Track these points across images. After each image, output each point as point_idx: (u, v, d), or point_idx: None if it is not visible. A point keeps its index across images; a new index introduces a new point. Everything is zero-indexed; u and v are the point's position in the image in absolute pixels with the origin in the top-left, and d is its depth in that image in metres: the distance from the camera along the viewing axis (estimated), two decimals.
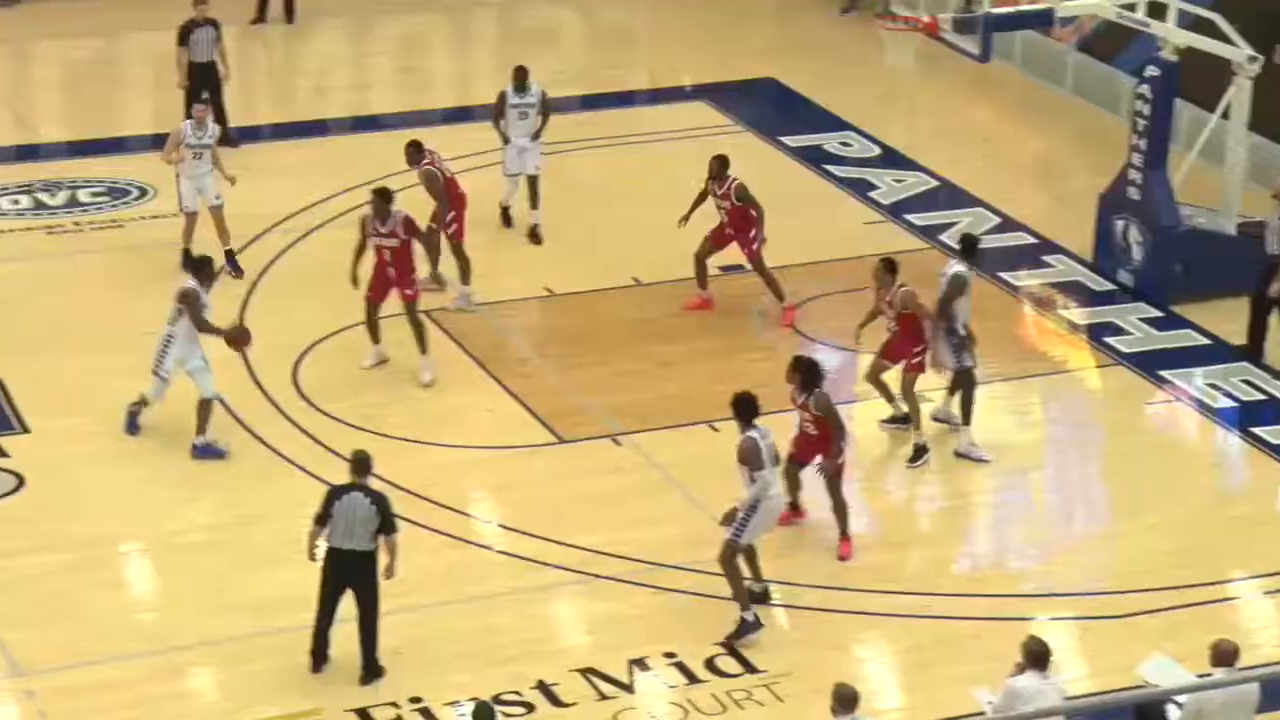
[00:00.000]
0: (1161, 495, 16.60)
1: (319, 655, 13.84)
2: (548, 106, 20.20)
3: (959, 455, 16.83)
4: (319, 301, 18.80)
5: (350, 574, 13.66)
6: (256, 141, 21.98)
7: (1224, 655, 12.49)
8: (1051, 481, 16.96)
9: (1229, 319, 18.98)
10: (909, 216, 21.16)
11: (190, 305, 16.05)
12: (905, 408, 16.96)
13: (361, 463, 13.79)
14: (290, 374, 17.62)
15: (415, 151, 18.76)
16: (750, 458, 14.39)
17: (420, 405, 17.24)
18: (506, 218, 20.46)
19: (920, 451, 16.81)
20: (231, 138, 21.42)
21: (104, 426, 16.69)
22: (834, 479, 15.36)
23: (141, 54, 24.95)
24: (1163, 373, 18.34)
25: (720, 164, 18.77)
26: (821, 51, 25.55)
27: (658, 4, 27.85)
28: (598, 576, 15.06)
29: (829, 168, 22.21)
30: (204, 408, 16.19)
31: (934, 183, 21.98)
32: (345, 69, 24.96)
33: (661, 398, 17.43)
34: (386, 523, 13.61)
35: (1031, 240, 20.78)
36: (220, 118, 21.65)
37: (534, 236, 20.22)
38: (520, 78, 20.11)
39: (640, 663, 14.26)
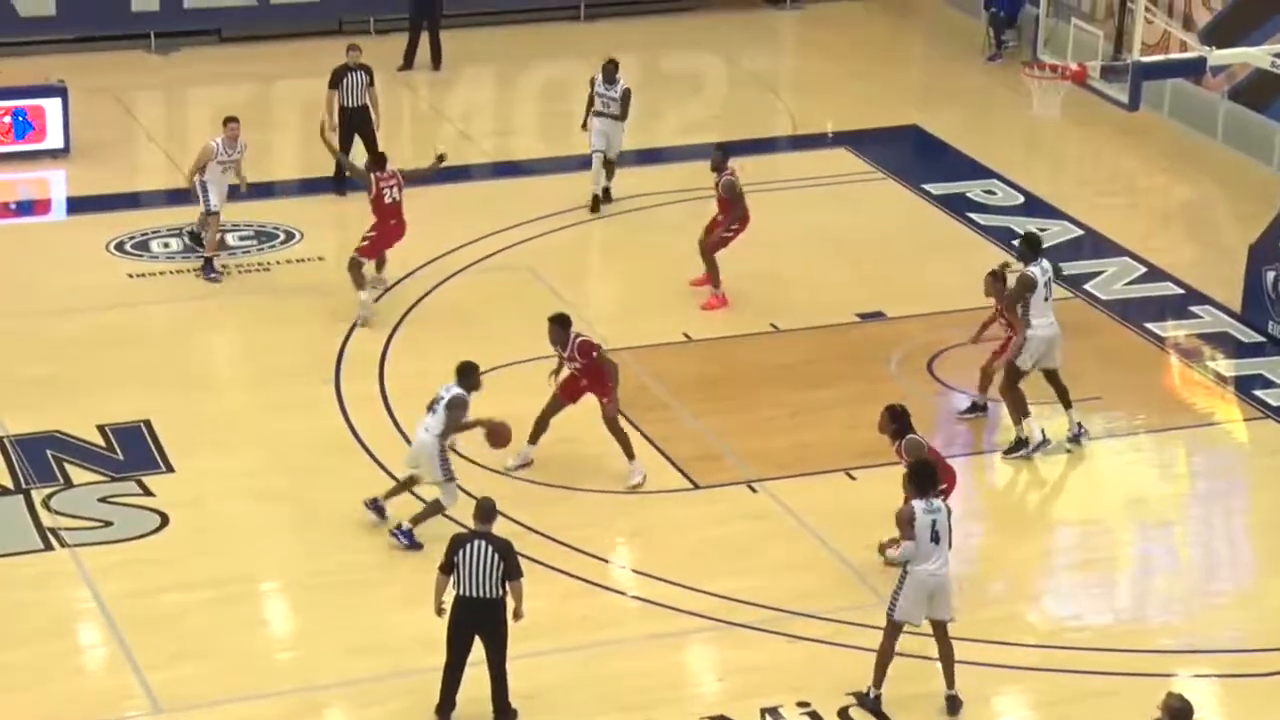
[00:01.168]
0: None
1: (446, 704, 13.87)
2: (627, 104, 21.57)
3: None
4: (459, 345, 18.83)
5: (478, 621, 13.70)
6: (339, 193, 22.11)
7: None
8: (1196, 535, 16.65)
9: None
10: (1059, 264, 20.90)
11: (456, 412, 15.88)
12: (983, 400, 17.58)
13: (485, 511, 13.83)
14: None
15: (723, 157, 19.75)
16: (903, 525, 14.17)
17: (558, 449, 17.22)
18: (596, 204, 21.57)
19: (1021, 444, 17.19)
20: (341, 188, 21.84)
21: (246, 466, 16.90)
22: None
23: (290, 101, 25.40)
24: None
25: (722, 154, 19.61)
26: (966, 99, 25.39)
27: (802, 50, 27.89)
28: (731, 624, 15.01)
29: (972, 215, 22.04)
30: (433, 508, 15.97)
31: (1079, 231, 21.73)
32: (489, 115, 25.18)
33: (798, 444, 17.34)
34: (511, 568, 13.65)
35: (1178, 290, 20.46)
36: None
37: (606, 196, 21.62)
38: (609, 71, 21.52)
39: (773, 711, 14.16)
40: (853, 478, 16.95)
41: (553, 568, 15.58)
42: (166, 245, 20.96)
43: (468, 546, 13.62)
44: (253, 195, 22.07)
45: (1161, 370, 19.20)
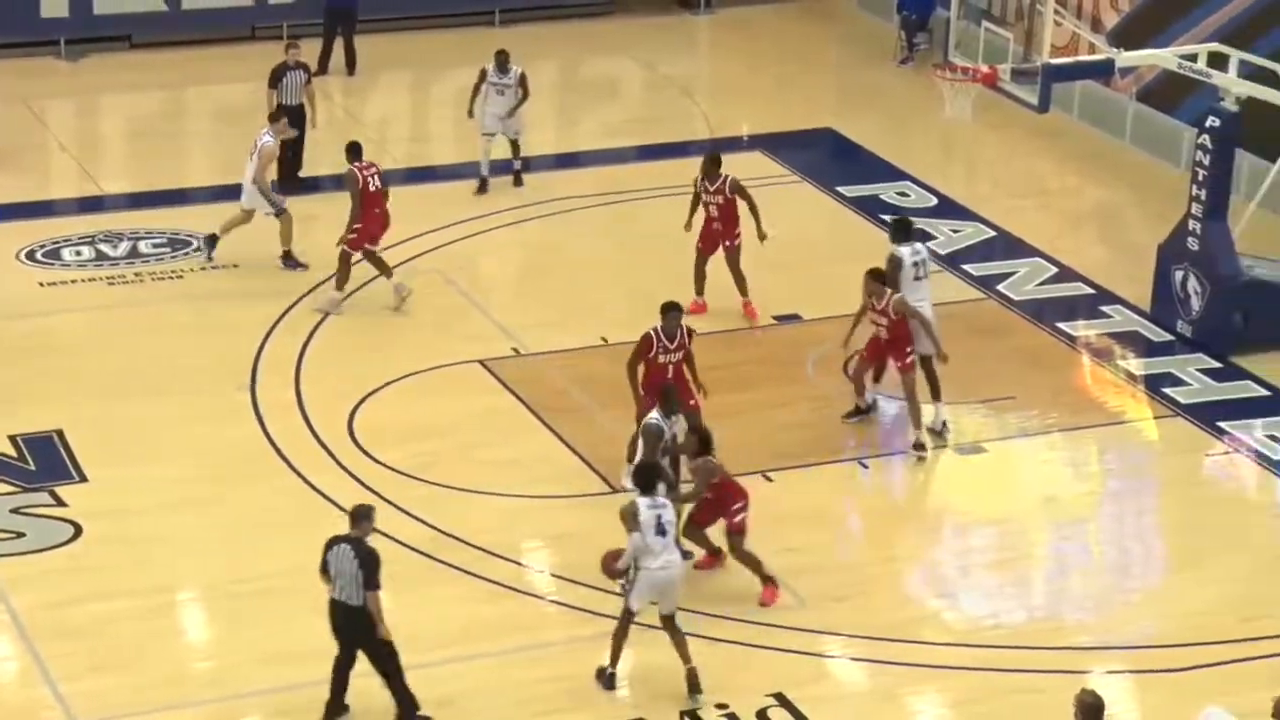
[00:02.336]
0: (1220, 547, 16.44)
1: (333, 706, 13.82)
2: (526, 86, 21.84)
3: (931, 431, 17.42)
4: (377, 350, 18.92)
5: (347, 627, 13.68)
6: (318, 192, 22.12)
7: None
8: (1108, 533, 16.82)
9: None
10: (966, 266, 21.10)
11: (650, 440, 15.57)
12: (867, 402, 17.75)
13: (357, 515, 13.79)
14: (346, 422, 17.70)
15: (349, 154, 19.55)
16: (626, 519, 14.30)
17: (474, 453, 17.25)
18: (484, 185, 21.85)
19: (920, 447, 17.28)
20: (306, 182, 21.95)
21: (160, 475, 16.78)
22: (737, 537, 15.32)
23: (202, 107, 25.26)
24: (1222, 424, 18.18)
25: (713, 162, 19.37)
26: (880, 102, 25.56)
27: (716, 54, 27.99)
28: (650, 626, 14.89)
29: (886, 217, 22.17)
30: None
31: (991, 233, 21.92)
32: (405, 121, 25.13)
33: (715, 447, 17.38)
34: (369, 578, 13.56)
35: (1089, 290, 20.68)
36: (297, 161, 21.95)
37: (518, 179, 22.01)
38: (502, 60, 21.70)
39: (692, 714, 14.19)
40: (769, 479, 17.02)
41: (469, 572, 15.57)
42: (79, 254, 20.80)
43: (335, 549, 13.62)
44: (166, 202, 22.08)
45: (1073, 369, 19.40)
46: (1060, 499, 17.08)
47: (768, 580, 15.40)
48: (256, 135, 20.36)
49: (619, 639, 14.41)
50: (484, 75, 21.86)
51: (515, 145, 22.05)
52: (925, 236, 21.67)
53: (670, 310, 16.78)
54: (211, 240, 20.46)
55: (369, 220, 19.47)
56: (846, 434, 17.78)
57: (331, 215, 20.39)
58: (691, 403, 16.71)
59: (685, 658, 14.33)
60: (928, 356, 17.57)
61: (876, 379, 17.92)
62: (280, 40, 25.03)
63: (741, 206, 19.35)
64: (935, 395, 17.67)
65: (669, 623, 14.38)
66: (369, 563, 13.59)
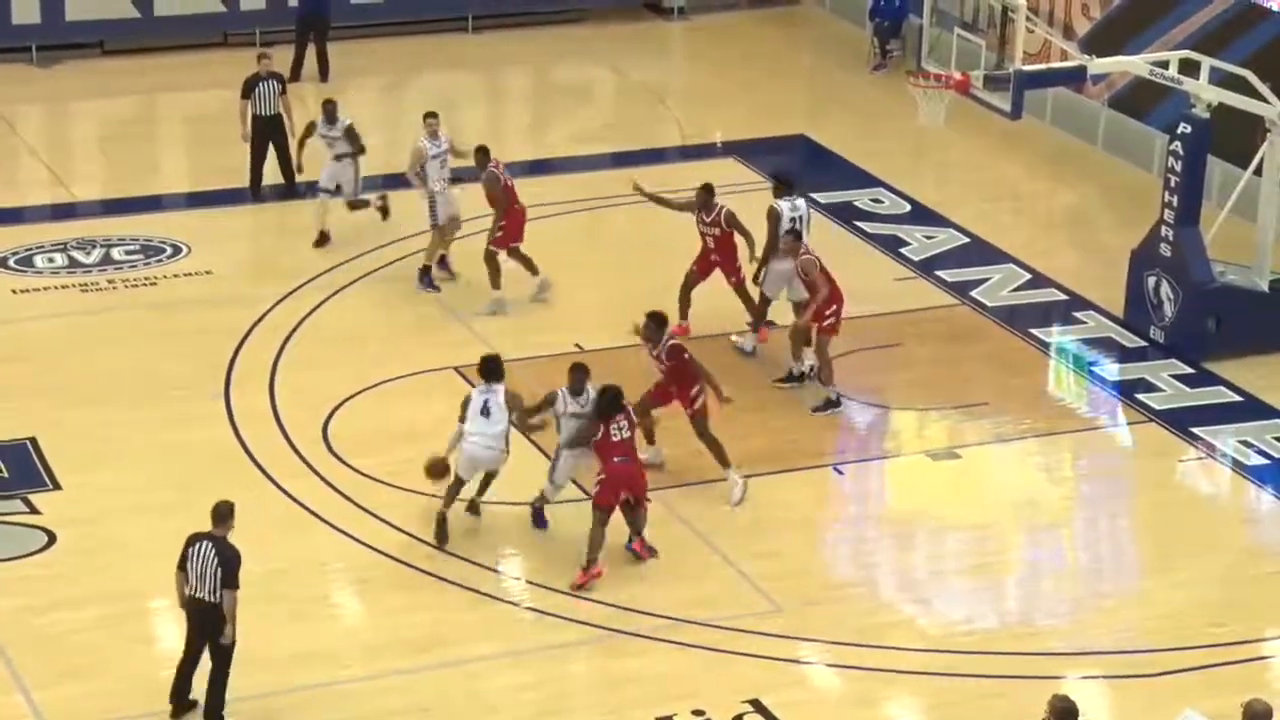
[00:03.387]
0: (1193, 552, 16.50)
1: (179, 700, 13.84)
2: (354, 135, 21.03)
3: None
4: (351, 357, 18.88)
5: (201, 623, 13.72)
6: (287, 200, 22.07)
7: (1257, 715, 12.35)
8: (1083, 538, 16.87)
9: (1261, 375, 18.91)
10: (940, 273, 21.14)
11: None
12: (804, 368, 18.39)
13: (219, 513, 13.81)
14: (321, 429, 17.67)
15: (483, 157, 19.64)
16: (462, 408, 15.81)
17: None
18: (323, 239, 20.93)
19: (830, 404, 17.98)
20: (298, 189, 21.94)
21: (134, 482, 16.74)
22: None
23: (175, 114, 25.21)
24: (1194, 429, 18.25)
25: (707, 193, 19.19)
26: (852, 108, 25.62)
27: (690, 61, 28.01)
28: (624, 633, 15.04)
29: (860, 224, 22.24)
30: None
31: (964, 239, 21.98)
32: (378, 127, 25.10)
33: (688, 453, 17.36)
34: (227, 577, 13.62)
35: (1062, 296, 20.74)
36: (287, 170, 21.91)
37: (384, 211, 21.13)
38: (330, 110, 20.97)
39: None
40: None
41: (443, 579, 15.56)
42: (51, 260, 20.73)
43: (196, 545, 13.68)
44: (139, 208, 22.04)
45: (1047, 375, 19.44)
46: (1034, 504, 17.12)
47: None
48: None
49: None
50: (311, 128, 20.96)
51: (354, 204, 20.90)
52: (899, 243, 21.77)
53: (648, 318, 16.95)
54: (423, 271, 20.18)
55: (511, 219, 19.66)
56: (822, 439, 17.80)
57: (286, 219, 20.36)
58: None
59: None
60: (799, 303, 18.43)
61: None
62: (253, 47, 25.05)
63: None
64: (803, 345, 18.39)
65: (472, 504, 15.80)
66: (230, 561, 13.62)
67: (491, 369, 16.16)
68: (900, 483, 17.59)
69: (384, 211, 21.06)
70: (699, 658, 14.84)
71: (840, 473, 17.43)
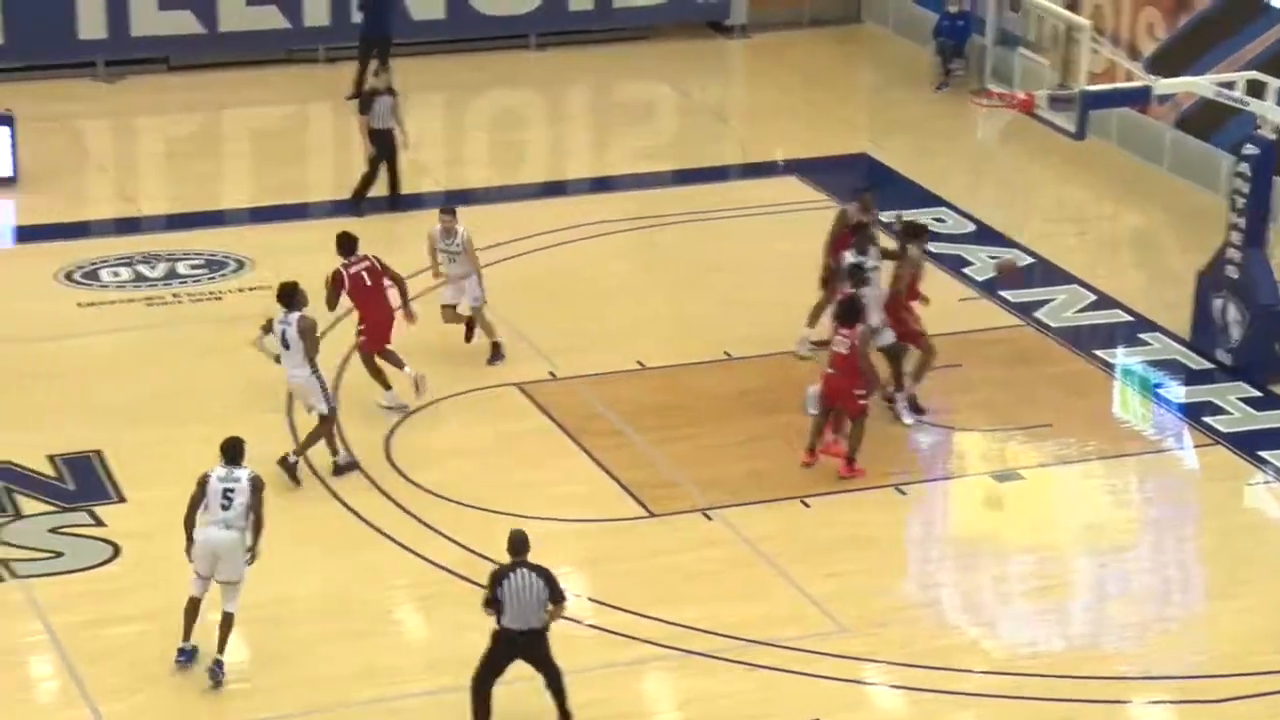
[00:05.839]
0: (1260, 576, 16.34)
1: None
2: (472, 250, 18.94)
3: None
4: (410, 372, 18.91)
5: (529, 649, 13.75)
6: (355, 216, 22.06)
7: None
8: (1147, 561, 16.73)
9: None
10: (1003, 293, 21.03)
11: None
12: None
13: (519, 542, 13.77)
14: (383, 444, 17.68)
15: (348, 244, 18.04)
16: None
17: (510, 476, 17.24)
18: (496, 351, 19.16)
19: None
20: (403, 201, 22.12)
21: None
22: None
23: (239, 129, 25.32)
24: (1262, 453, 18.08)
25: (910, 232, 18.60)
26: (915, 127, 25.54)
27: (751, 79, 27.99)
28: (688, 652, 14.97)
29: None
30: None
31: (1029, 259, 21.84)
32: (440, 144, 25.20)
33: (751, 472, 17.35)
34: (556, 592, 13.71)
35: (1128, 318, 20.60)
36: (394, 183, 22.06)
37: (496, 353, 19.22)
38: (447, 222, 18.83)
39: None
40: (807, 505, 16.98)
41: None
42: (116, 274, 20.82)
43: (512, 576, 13.57)
44: (204, 223, 22.13)
45: (1112, 397, 19.31)
46: (1099, 527, 16.99)
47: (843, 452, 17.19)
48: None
49: None
50: (433, 239, 18.97)
51: (473, 319, 19.02)
52: (962, 263, 21.66)
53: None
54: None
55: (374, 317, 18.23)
56: (884, 460, 17.72)
57: (381, 237, 20.37)
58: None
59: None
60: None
61: None
62: (315, 64, 25.18)
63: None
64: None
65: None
66: (553, 579, 13.72)
67: None
68: (964, 504, 17.49)
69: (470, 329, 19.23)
70: (763, 678, 14.78)
71: (903, 493, 17.34)
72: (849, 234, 18.88)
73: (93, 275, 20.83)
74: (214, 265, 21.09)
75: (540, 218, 22.21)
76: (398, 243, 20.66)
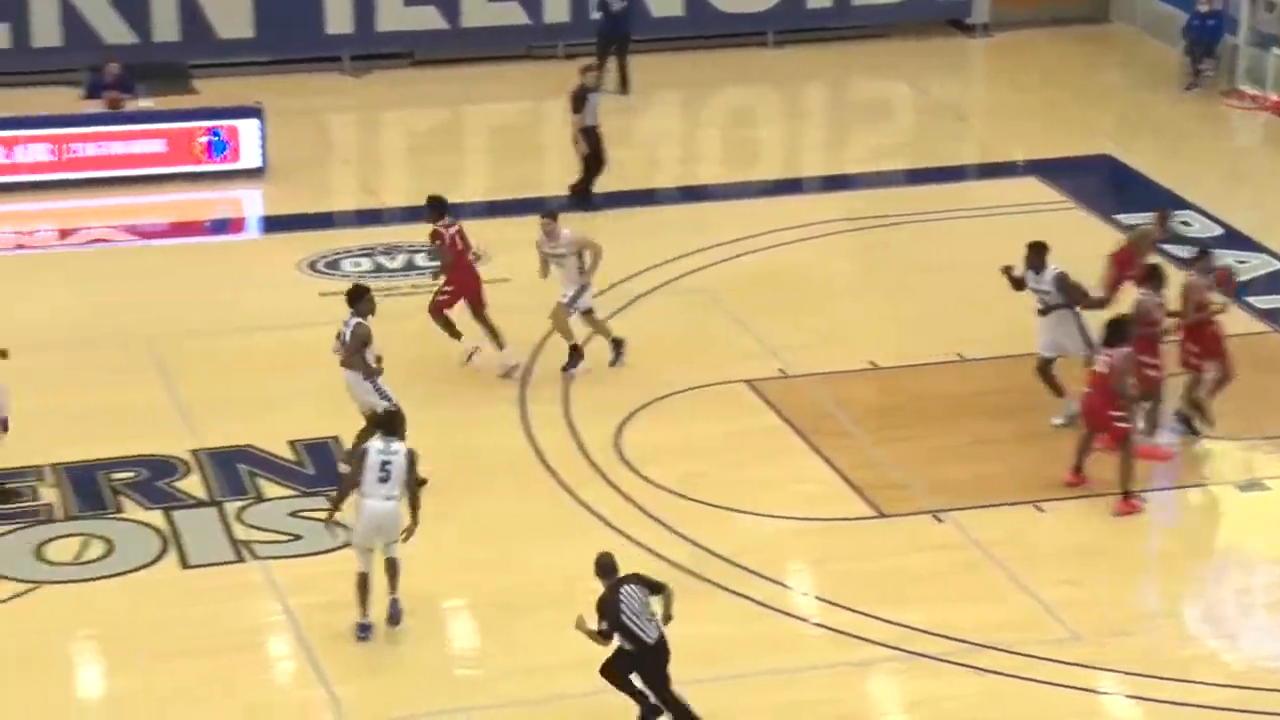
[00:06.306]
0: None
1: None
2: (583, 254, 18.71)
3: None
4: (643, 367, 18.80)
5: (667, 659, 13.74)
6: (588, 210, 22.17)
7: None
8: None
9: None
10: (1251, 299, 20.40)
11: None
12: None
13: (608, 566, 13.75)
14: (613, 437, 17.70)
15: (435, 211, 18.63)
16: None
17: (740, 474, 17.15)
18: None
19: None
20: (595, 202, 22.08)
21: (433, 482, 16.55)
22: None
23: (480, 124, 25.59)
24: None
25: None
26: (1162, 128, 24.93)
27: (991, 78, 27.58)
28: (916, 654, 14.77)
29: (1167, 247, 21.60)
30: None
31: (1279, 264, 21.19)
32: (676, 140, 25.20)
33: (982, 475, 17.05)
34: (654, 585, 13.70)
35: None
36: (590, 181, 22.11)
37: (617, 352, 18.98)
38: (548, 224, 18.67)
39: None
40: (1041, 510, 16.64)
41: (734, 591, 15.46)
42: (357, 265, 21.15)
43: (624, 593, 13.55)
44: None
45: None
46: None
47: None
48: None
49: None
50: (541, 244, 18.85)
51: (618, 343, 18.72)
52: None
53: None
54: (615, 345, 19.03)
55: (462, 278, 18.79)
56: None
57: (611, 233, 20.43)
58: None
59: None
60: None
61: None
62: (554, 60, 25.32)
63: None
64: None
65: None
66: (644, 578, 13.74)
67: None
68: (1205, 514, 17.01)
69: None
70: (993, 683, 14.50)
71: (1142, 501, 16.89)
72: (1132, 250, 18.25)
73: (334, 265, 21.18)
74: None
75: (772, 215, 22.10)
76: (627, 239, 20.54)
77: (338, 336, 16.86)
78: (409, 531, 14.75)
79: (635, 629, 13.52)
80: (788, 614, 15.32)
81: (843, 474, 17.17)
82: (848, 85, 26.63)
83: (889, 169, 23.62)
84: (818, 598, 15.55)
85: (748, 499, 16.70)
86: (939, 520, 16.52)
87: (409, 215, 22.33)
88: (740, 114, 25.92)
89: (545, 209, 19.18)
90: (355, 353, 16.68)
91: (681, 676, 14.07)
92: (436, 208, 18.76)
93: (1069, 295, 17.64)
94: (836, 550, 16.19)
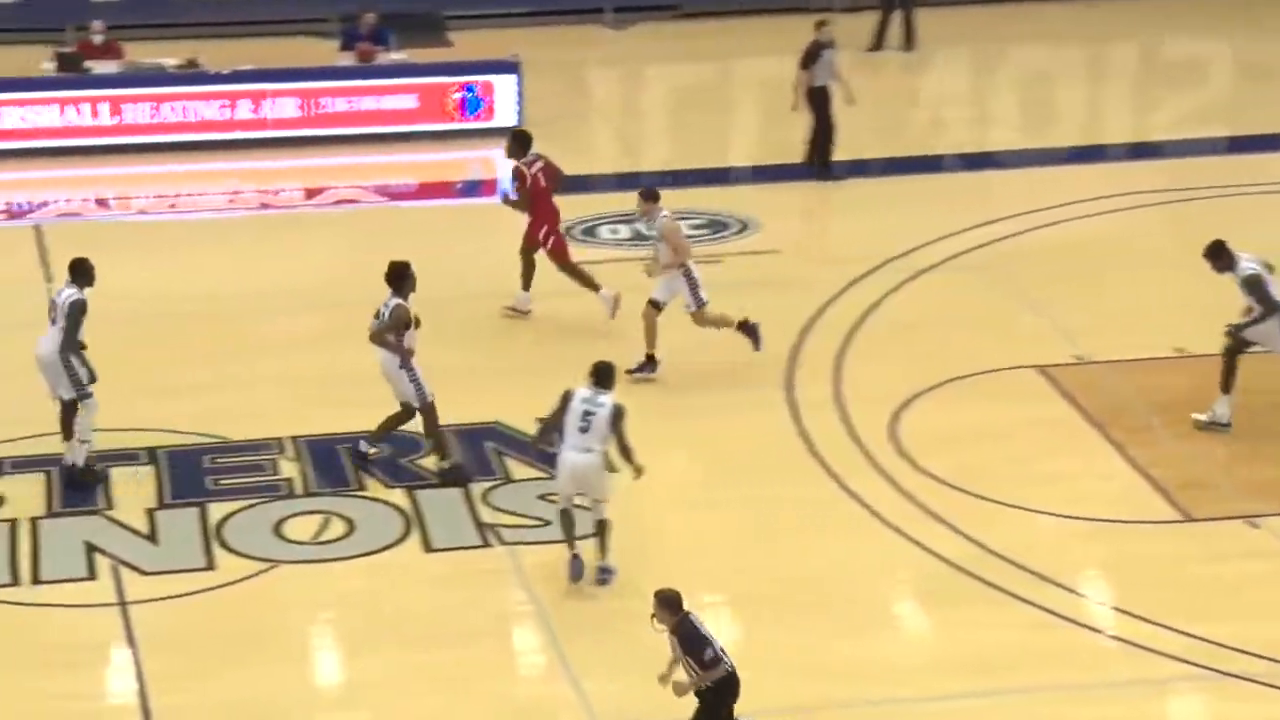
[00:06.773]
0: None
1: None
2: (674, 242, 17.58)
3: None
4: (922, 351, 17.81)
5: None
6: (864, 176, 21.42)
7: None
8: None
9: None
10: None
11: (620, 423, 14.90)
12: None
13: (677, 600, 12.64)
14: (887, 425, 16.65)
15: (518, 146, 18.15)
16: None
17: (1026, 468, 16.04)
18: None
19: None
20: (836, 172, 21.15)
21: (686, 471, 16.00)
22: None
23: (748, 81, 25.00)
24: None
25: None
26: None
27: None
28: (1225, 673, 13.45)
29: None
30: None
31: None
32: (964, 102, 24.20)
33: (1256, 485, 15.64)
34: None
35: None
36: (827, 149, 21.30)
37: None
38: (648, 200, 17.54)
39: None
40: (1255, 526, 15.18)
41: (1017, 596, 14.29)
42: (615, 231, 20.39)
43: (699, 622, 12.55)
44: (705, 181, 21.51)
45: None
46: None
47: None
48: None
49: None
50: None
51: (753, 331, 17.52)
52: None
53: None
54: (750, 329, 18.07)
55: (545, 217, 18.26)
56: None
57: (889, 201, 19.37)
58: None
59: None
60: None
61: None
62: (830, 11, 24.74)
63: None
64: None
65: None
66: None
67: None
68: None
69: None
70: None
71: None
72: None
73: (591, 231, 20.54)
74: (716, 226, 20.54)
75: (1070, 185, 21.06)
76: (858, 211, 19.45)
77: (376, 316, 15.87)
78: (637, 471, 14.40)
79: (725, 656, 12.53)
80: (1079, 624, 14.13)
81: (1144, 471, 15.93)
82: (1161, 43, 25.51)
83: (1203, 136, 22.49)
84: (1114, 607, 14.36)
85: (1035, 495, 15.58)
86: (1254, 526, 15.18)
87: (671, 179, 21.51)
88: (1038, 75, 24.77)
89: (642, 188, 17.87)
90: (390, 331, 15.69)
91: (956, 689, 13.17)
92: (520, 142, 18.21)
93: None
94: (1137, 556, 14.93)
